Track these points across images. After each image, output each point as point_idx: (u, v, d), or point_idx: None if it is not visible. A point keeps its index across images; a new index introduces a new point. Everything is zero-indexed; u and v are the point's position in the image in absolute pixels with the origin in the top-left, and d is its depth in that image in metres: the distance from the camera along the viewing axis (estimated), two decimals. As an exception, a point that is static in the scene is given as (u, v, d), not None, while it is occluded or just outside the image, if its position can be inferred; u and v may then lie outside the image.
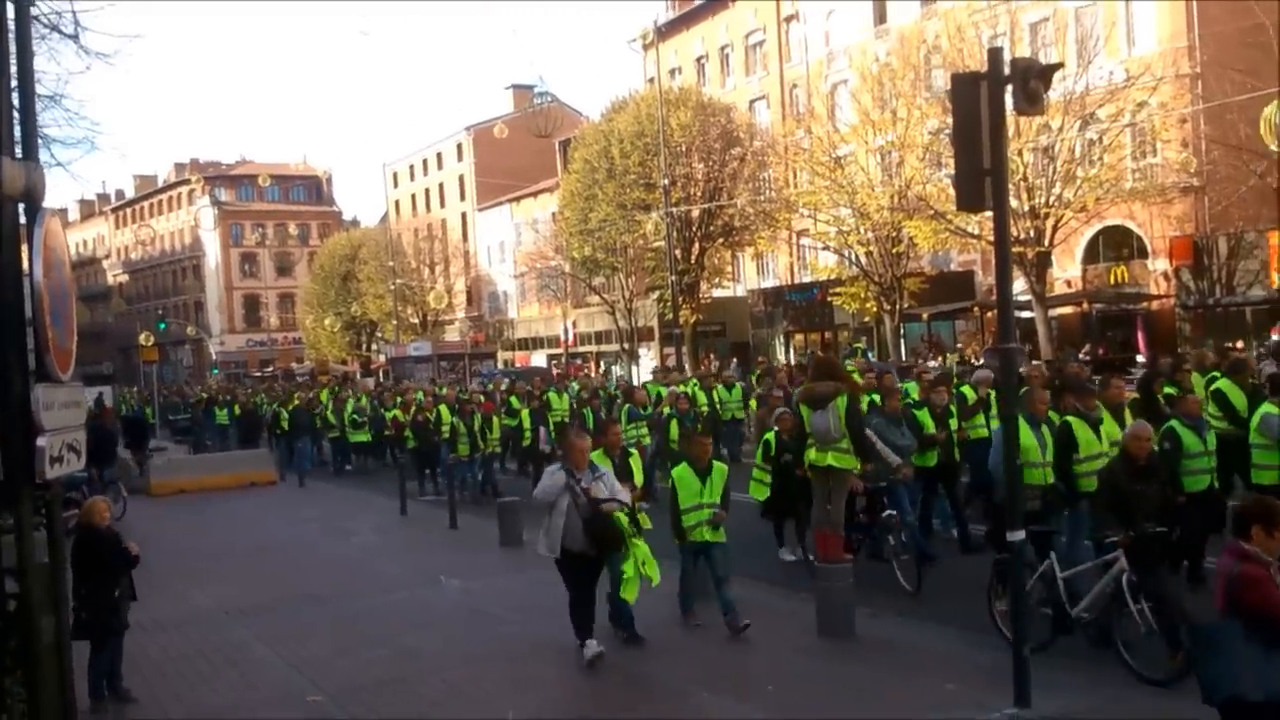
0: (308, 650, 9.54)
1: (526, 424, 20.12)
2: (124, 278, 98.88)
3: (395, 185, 79.88)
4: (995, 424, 11.93)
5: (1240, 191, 28.11)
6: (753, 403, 19.72)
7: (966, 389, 13.36)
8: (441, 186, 73.62)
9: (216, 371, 75.47)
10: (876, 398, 12.28)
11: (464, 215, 70.34)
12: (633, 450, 10.02)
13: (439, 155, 73.58)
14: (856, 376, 12.52)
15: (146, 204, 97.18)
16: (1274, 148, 23.17)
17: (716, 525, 9.28)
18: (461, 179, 70.66)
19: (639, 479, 9.61)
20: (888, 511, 10.69)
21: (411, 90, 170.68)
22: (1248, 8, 25.86)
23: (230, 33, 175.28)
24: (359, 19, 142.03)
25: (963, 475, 12.91)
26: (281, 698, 8.31)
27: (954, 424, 12.52)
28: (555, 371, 42.18)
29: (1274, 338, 28.11)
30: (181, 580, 12.82)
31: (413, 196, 77.50)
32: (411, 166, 77.67)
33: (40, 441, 4.78)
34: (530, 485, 18.04)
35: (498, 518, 14.56)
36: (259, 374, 70.70)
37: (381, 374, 58.68)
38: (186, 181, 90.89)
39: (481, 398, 22.86)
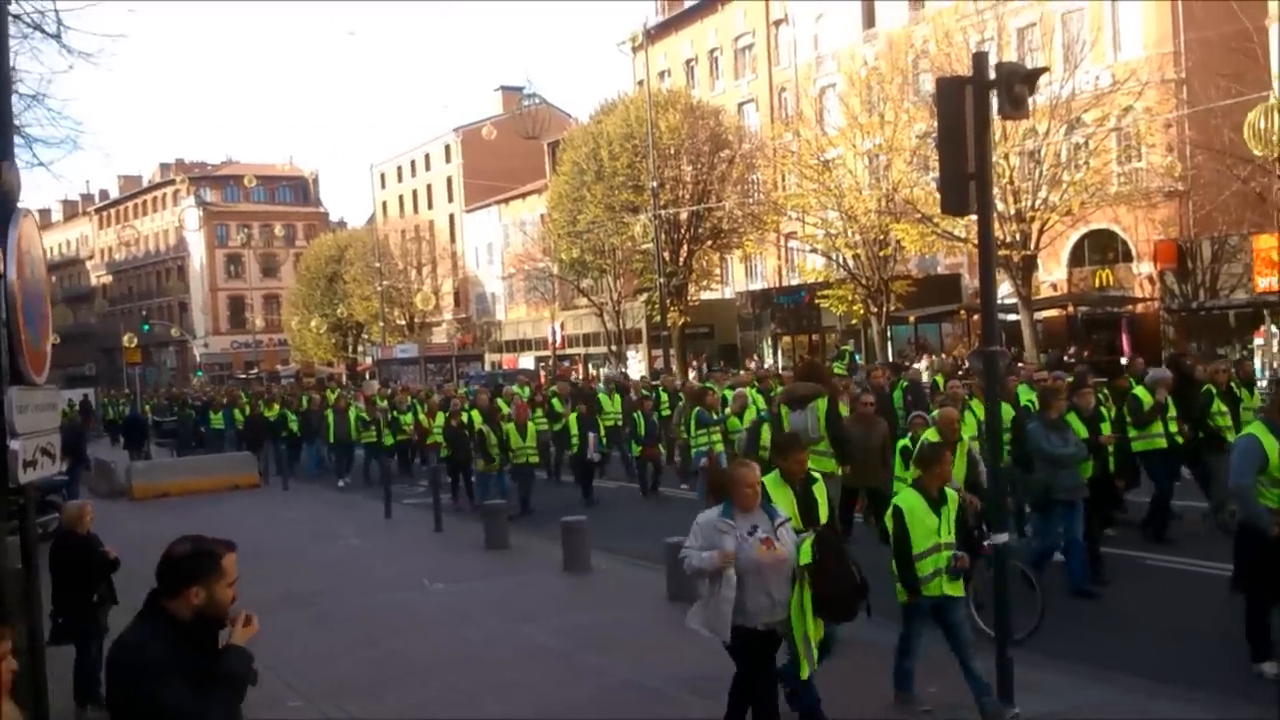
0: (289, 654, 9.47)
1: (574, 429, 18.06)
2: (107, 278, 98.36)
3: (383, 186, 79.70)
4: (1228, 431, 11.32)
5: (1224, 196, 28.24)
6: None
7: (1141, 391, 12.07)
8: (429, 188, 73.48)
9: (201, 374, 75.16)
10: (1033, 399, 11.38)
11: (452, 217, 70.22)
12: (816, 476, 7.49)
13: (427, 156, 73.46)
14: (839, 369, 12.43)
15: (131, 204, 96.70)
16: (1258, 153, 23.25)
17: (958, 574, 6.95)
18: (449, 180, 70.55)
19: (824, 514, 7.09)
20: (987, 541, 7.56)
21: (399, 91, 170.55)
22: (1233, 13, 25.98)
23: (217, 32, 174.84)
24: (346, 19, 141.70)
25: (1127, 491, 11.96)
26: (263, 702, 8.22)
27: (1106, 430, 11.05)
28: (543, 374, 42.12)
29: (1257, 340, 28.29)
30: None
31: (400, 198, 77.33)
32: (399, 168, 77.51)
33: (13, 445, 4.73)
34: (581, 498, 17.50)
35: (483, 521, 14.50)
36: (244, 375, 70.39)
37: (368, 375, 58.51)
38: (171, 182, 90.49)
39: (503, 402, 20.31)
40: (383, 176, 79.63)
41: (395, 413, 23.27)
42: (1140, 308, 32.39)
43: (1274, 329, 28.53)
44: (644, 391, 20.97)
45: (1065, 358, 30.18)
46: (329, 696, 8.25)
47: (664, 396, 20.70)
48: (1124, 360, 30.06)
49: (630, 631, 9.52)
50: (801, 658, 6.02)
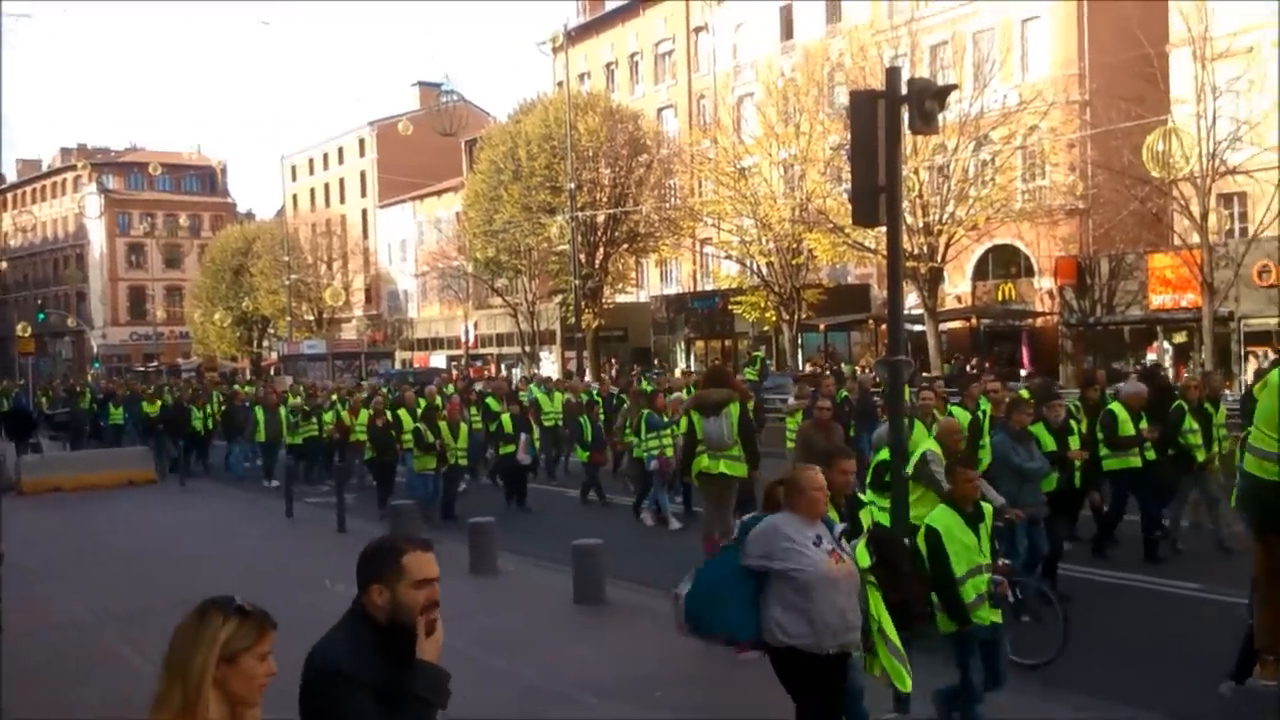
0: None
1: (509, 428, 17.01)
2: (2, 265, 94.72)
3: (293, 178, 78.24)
4: (1198, 450, 10.99)
5: (1122, 215, 29.22)
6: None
7: (1118, 408, 11.36)
8: (342, 182, 72.35)
9: (98, 365, 72.78)
10: (987, 408, 11.21)
11: (364, 212, 69.23)
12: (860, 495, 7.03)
13: (340, 150, 72.31)
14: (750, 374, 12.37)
15: (29, 189, 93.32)
16: (1156, 174, 24.16)
17: (999, 600, 6.35)
18: (363, 175, 69.54)
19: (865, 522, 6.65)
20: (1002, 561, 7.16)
21: (313, 83, 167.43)
22: (1136, 39, 26.92)
23: (126, 15, 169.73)
24: (260, 8, 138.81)
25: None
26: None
27: (1074, 444, 10.66)
28: (454, 373, 41.72)
29: (1150, 356, 29.34)
30: (50, 583, 12.28)
31: (311, 190, 75.99)
32: (311, 160, 76.16)
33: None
34: (514, 503, 16.62)
35: (389, 521, 14.28)
36: (143, 369, 68.40)
37: (273, 371, 57.33)
38: (73, 167, 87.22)
39: (439, 399, 19.28)
40: (294, 169, 78.14)
41: (307, 410, 22.42)
42: (1040, 321, 33.35)
43: (1166, 345, 29.65)
44: (588, 395, 20.46)
45: (968, 369, 30.98)
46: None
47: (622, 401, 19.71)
48: (1023, 372, 31.03)
49: (537, 635, 9.47)
50: (899, 668, 5.37)
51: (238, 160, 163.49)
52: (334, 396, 24.01)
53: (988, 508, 6.53)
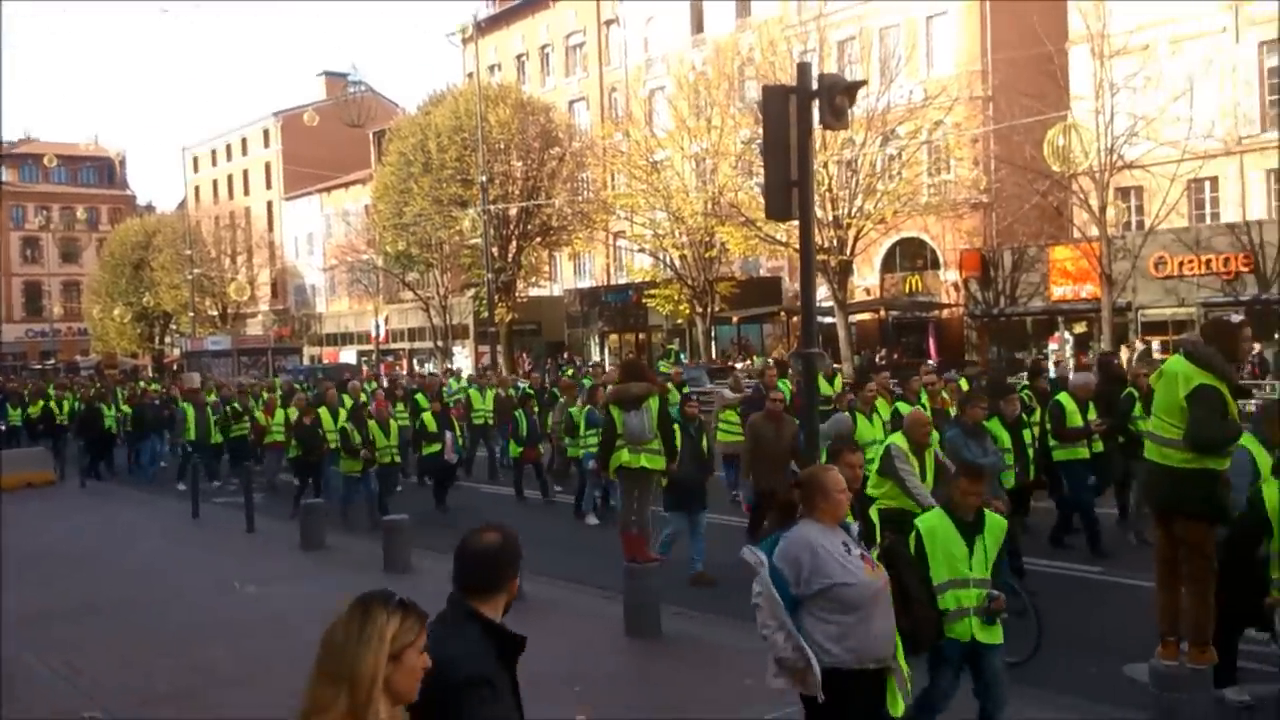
0: (85, 663, 8.93)
1: (432, 427, 16.18)
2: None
3: (195, 170, 76.29)
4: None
5: (1024, 209, 30.02)
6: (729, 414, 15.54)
7: (1065, 398, 11.38)
8: (246, 173, 70.75)
9: (-9, 363, 70.11)
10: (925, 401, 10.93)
11: (270, 204, 67.81)
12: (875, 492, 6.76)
13: (244, 140, 70.68)
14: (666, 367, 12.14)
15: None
16: (1057, 169, 24.85)
17: (991, 618, 5.79)
18: (268, 166, 68.09)
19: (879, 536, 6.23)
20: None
21: (215, 72, 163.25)
22: (1037, 37, 27.64)
23: (17, 2, 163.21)
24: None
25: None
26: (55, 714, 7.75)
27: (1027, 437, 10.59)
28: (365, 369, 41.13)
29: (1052, 346, 30.22)
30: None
31: (214, 182, 74.17)
32: (213, 151, 74.33)
33: None
34: (435, 501, 15.93)
35: (299, 520, 14.04)
36: (39, 366, 66.07)
37: (175, 368, 55.84)
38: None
39: (363, 396, 18.84)
40: (195, 160, 76.19)
41: (229, 408, 21.09)
42: (946, 313, 34.10)
43: (1067, 335, 30.56)
44: (519, 388, 19.97)
45: (877, 359, 31.57)
46: (130, 707, 7.81)
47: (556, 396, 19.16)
48: (930, 362, 31.70)
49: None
50: (896, 692, 4.85)
51: (137, 151, 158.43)
52: (265, 394, 22.24)
53: (996, 520, 5.97)
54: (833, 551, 4.68)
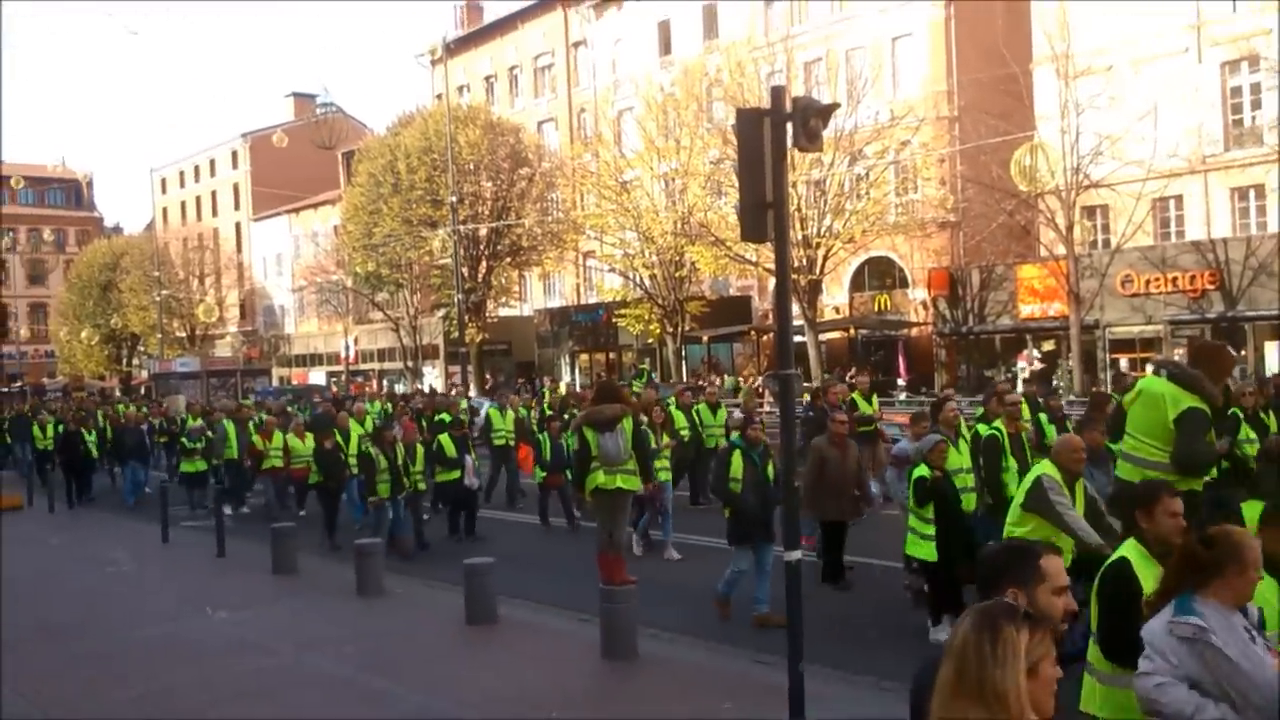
0: (50, 690, 8.78)
1: (451, 451, 15.22)
2: None
3: (163, 191, 75.73)
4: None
5: (992, 228, 30.29)
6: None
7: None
8: (214, 194, 70.31)
9: (-47, 386, 69.04)
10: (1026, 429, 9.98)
11: (238, 225, 67.41)
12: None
13: (212, 162, 70.28)
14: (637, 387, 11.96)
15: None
16: (1023, 188, 25.12)
17: None
18: (236, 187, 67.72)
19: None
20: None
21: (183, 93, 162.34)
22: (1002, 58, 27.98)
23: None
24: (127, 16, 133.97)
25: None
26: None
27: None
28: (334, 390, 40.82)
29: (1020, 364, 30.46)
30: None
31: (182, 204, 73.66)
32: (181, 172, 73.84)
33: None
34: (450, 534, 15.22)
35: (270, 543, 13.88)
36: (5, 390, 65.13)
37: (144, 390, 55.23)
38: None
39: (370, 419, 18.11)
40: (164, 181, 75.62)
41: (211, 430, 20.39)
42: (915, 331, 34.31)
43: (1035, 353, 30.83)
44: (538, 409, 19.13)
45: (848, 378, 31.66)
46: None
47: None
48: (900, 381, 31.91)
49: (424, 656, 9.32)
50: None
51: (104, 173, 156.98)
52: (262, 417, 20.73)
53: None
54: (1247, 651, 3.55)
